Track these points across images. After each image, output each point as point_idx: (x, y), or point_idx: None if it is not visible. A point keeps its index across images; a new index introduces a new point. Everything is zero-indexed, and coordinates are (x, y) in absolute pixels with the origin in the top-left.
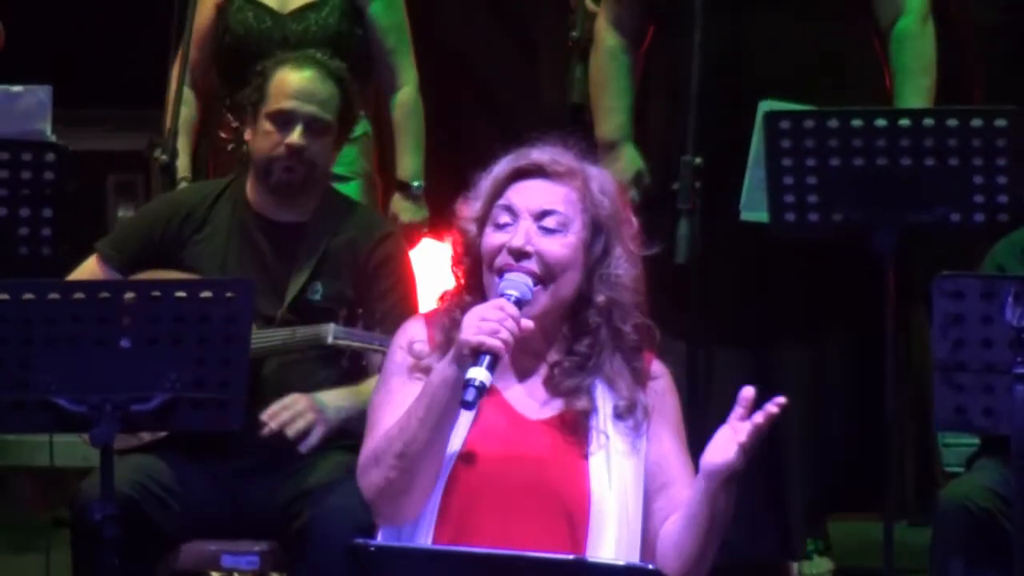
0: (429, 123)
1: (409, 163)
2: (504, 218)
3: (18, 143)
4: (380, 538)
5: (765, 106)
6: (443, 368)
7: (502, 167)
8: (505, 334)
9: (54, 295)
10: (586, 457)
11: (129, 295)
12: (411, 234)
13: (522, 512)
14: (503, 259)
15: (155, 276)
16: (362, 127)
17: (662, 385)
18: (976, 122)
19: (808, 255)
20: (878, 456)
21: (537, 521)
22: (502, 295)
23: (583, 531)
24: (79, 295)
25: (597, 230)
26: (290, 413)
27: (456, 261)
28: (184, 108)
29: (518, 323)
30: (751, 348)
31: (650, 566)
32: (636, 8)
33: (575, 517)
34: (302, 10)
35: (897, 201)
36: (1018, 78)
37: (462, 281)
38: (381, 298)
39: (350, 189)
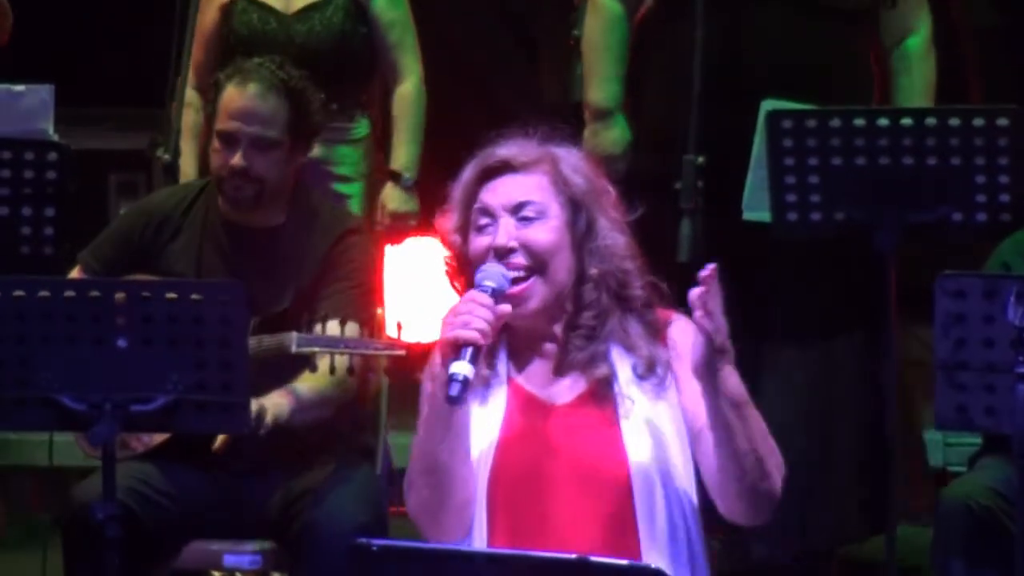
0: (428, 121)
1: (403, 154)
2: (483, 220)
3: (20, 142)
4: None
5: (767, 105)
6: (435, 372)
7: (469, 171)
8: (479, 323)
9: (44, 293)
10: (617, 424)
11: (119, 295)
12: (399, 226)
13: (570, 500)
14: (490, 260)
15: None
16: (365, 128)
17: (679, 330)
18: (978, 121)
19: (826, 252)
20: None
21: (586, 505)
22: (478, 287)
23: (629, 501)
24: (69, 293)
25: (576, 208)
26: None
27: (453, 275)
28: (190, 112)
29: (493, 311)
30: (759, 346)
31: (652, 565)
32: None
33: (620, 489)
34: (306, 10)
35: (899, 200)
36: (1016, 79)
37: (460, 292)
38: (328, 290)
39: (353, 189)
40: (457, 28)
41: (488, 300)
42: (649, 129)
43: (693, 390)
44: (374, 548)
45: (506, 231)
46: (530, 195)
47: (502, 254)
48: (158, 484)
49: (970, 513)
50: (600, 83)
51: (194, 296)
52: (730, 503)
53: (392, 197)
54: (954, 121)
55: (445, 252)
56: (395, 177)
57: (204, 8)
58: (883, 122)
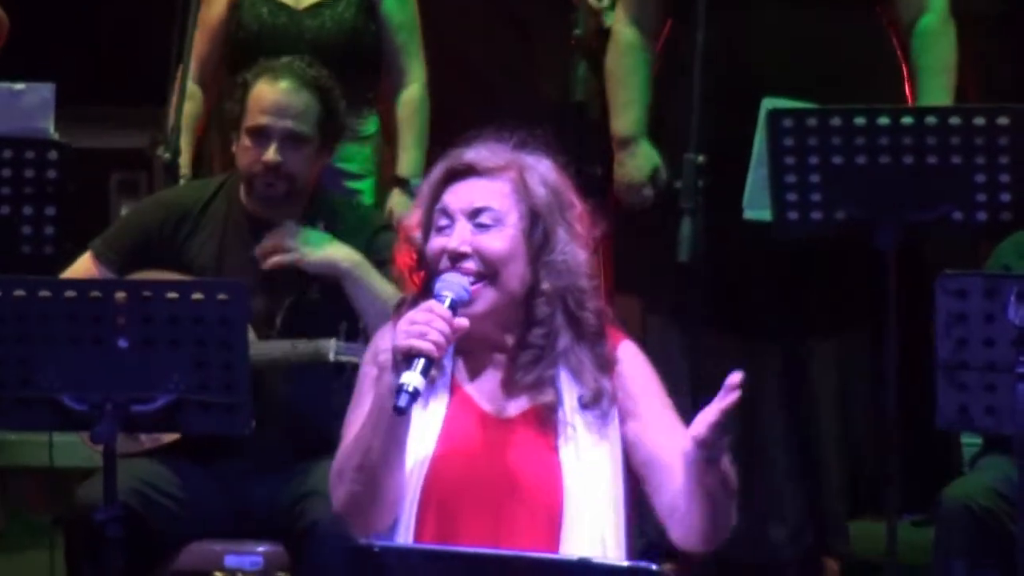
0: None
1: (409, 159)
2: (442, 221)
3: (21, 141)
4: None
5: (768, 104)
6: (387, 377)
7: (435, 172)
8: (435, 335)
9: (45, 292)
10: (556, 451)
11: (120, 295)
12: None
13: (500, 511)
14: (444, 262)
15: (151, 276)
16: (375, 125)
17: (629, 358)
18: (979, 120)
19: (825, 253)
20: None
21: (517, 519)
22: (436, 297)
23: (557, 529)
24: (70, 293)
25: (535, 219)
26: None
27: (410, 270)
28: (189, 103)
29: (450, 323)
30: (755, 346)
31: (653, 566)
32: (654, 6)
33: (552, 512)
34: (317, 6)
35: (900, 199)
36: (1011, 69)
37: (419, 289)
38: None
39: (364, 186)
40: (457, 27)
41: (447, 312)
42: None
43: (654, 421)
44: (376, 549)
45: (460, 235)
46: (489, 201)
47: (455, 258)
48: (162, 484)
49: (971, 514)
50: (622, 111)
51: (195, 296)
52: (688, 535)
53: (400, 203)
54: (955, 120)
55: (405, 246)
56: (402, 183)
57: (212, 1)
58: (884, 121)
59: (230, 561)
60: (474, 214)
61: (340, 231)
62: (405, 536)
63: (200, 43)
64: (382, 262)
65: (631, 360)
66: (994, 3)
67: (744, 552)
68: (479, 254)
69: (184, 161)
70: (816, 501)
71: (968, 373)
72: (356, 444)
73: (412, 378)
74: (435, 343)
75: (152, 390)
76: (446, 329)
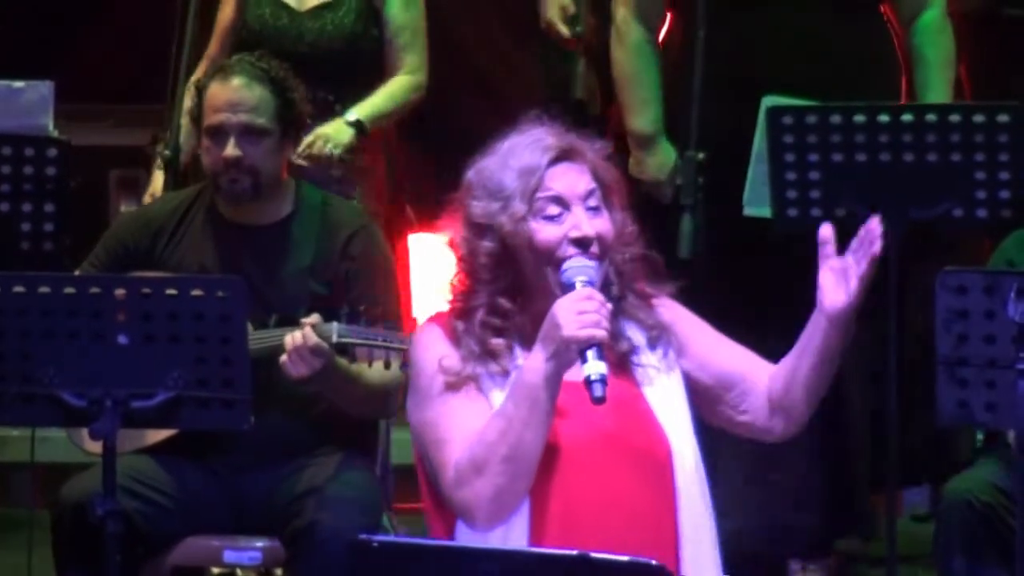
0: (428, 121)
1: (371, 106)
2: (552, 209)
3: (20, 138)
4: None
5: (768, 101)
6: (539, 368)
7: (530, 159)
8: (605, 323)
9: (45, 289)
10: (643, 395)
11: (120, 291)
12: (317, 153)
13: (610, 470)
14: (565, 251)
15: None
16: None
17: (665, 305)
18: (979, 118)
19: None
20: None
21: (627, 472)
22: (571, 284)
23: (668, 465)
24: (70, 289)
25: (608, 195)
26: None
27: (491, 267)
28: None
29: (606, 307)
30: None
31: (653, 562)
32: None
33: (656, 455)
34: (319, 9)
35: (900, 197)
36: (1004, 66)
37: (491, 284)
38: (375, 294)
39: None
40: (458, 26)
41: (602, 297)
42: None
43: (711, 343)
44: (375, 544)
45: (583, 221)
46: (590, 185)
47: (584, 244)
48: (153, 480)
49: (971, 509)
50: (639, 109)
51: (194, 292)
52: (778, 420)
53: (336, 129)
54: (954, 117)
55: (482, 243)
56: (347, 119)
57: (223, 2)
58: (884, 118)
59: (228, 556)
60: (585, 197)
61: (320, 228)
62: (522, 522)
63: (212, 43)
64: (354, 258)
65: (667, 304)
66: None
67: (767, 540)
68: (600, 239)
69: (187, 153)
70: (839, 485)
71: (968, 369)
72: (501, 437)
73: (598, 367)
74: (606, 329)
75: (152, 386)
76: (607, 313)
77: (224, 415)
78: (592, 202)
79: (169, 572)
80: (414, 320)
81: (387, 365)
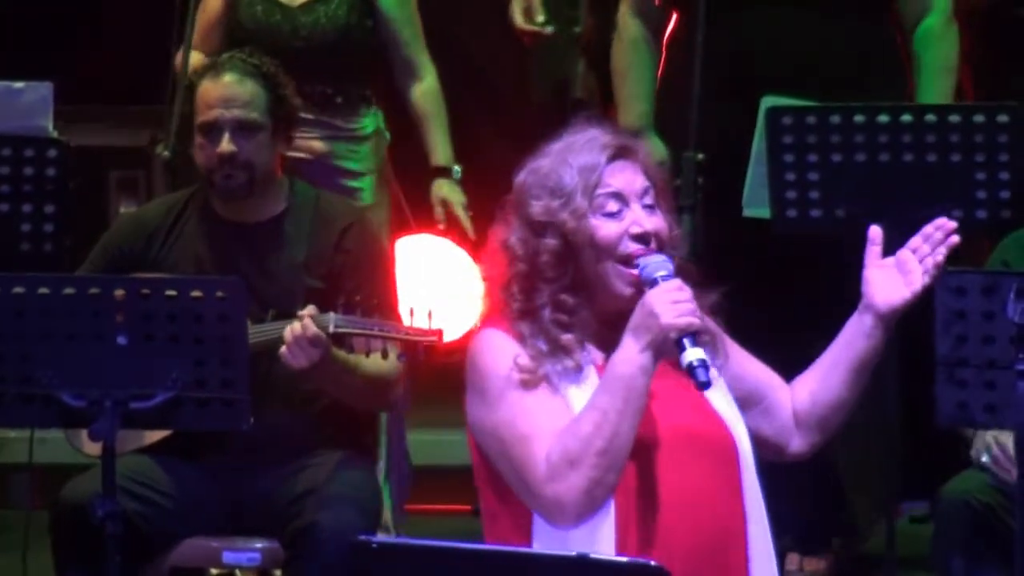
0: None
1: (444, 148)
2: (612, 206)
3: (20, 139)
4: (536, 546)
5: (768, 102)
6: (634, 359)
7: (589, 157)
8: (697, 311)
9: (44, 289)
10: (704, 394)
11: (119, 292)
12: (457, 217)
13: (686, 464)
14: (627, 246)
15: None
16: (373, 123)
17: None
18: (978, 118)
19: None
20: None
21: (702, 466)
22: (652, 279)
23: (735, 459)
24: (69, 290)
25: (659, 196)
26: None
27: (553, 264)
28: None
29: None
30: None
31: (652, 563)
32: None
33: (724, 449)
34: (311, 3)
35: (899, 197)
36: (1011, 68)
37: (554, 282)
38: (370, 285)
39: (363, 183)
40: (456, 26)
41: (687, 287)
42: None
43: (740, 352)
44: (374, 545)
45: (645, 218)
46: (646, 182)
47: (644, 240)
48: (152, 481)
49: (970, 509)
50: (629, 104)
51: (194, 293)
52: (805, 437)
53: (448, 190)
54: (954, 118)
55: (543, 241)
56: (444, 172)
57: (207, 1)
58: (883, 119)
59: (228, 557)
60: (641, 195)
61: (314, 222)
62: (609, 513)
63: (196, 37)
64: (348, 251)
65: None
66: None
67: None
68: (656, 235)
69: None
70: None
71: (967, 370)
72: (596, 430)
73: (698, 353)
74: (698, 317)
75: (151, 387)
76: (694, 302)
77: (223, 415)
78: (648, 200)
79: (168, 573)
80: (399, 316)
81: (384, 355)
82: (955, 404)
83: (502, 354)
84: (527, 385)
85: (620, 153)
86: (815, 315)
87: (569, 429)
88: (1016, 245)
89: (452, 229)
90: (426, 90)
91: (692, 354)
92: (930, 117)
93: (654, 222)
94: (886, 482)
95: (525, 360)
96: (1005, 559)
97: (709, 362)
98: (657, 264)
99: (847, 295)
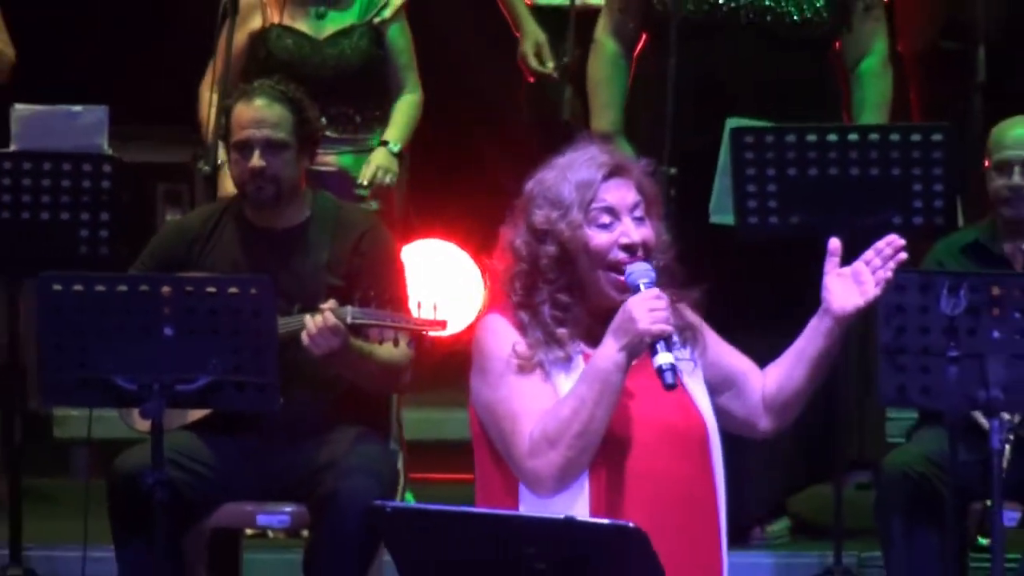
0: (431, 134)
1: (397, 131)
2: (605, 219)
3: (79, 156)
4: (522, 508)
5: (732, 123)
6: (611, 356)
7: (587, 174)
8: (671, 319)
9: (100, 287)
10: (683, 384)
11: (166, 289)
12: (378, 182)
13: (658, 447)
14: (616, 255)
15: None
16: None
17: (682, 305)
18: (915, 136)
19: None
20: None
21: (673, 449)
22: (636, 285)
23: (707, 444)
24: (122, 288)
25: (649, 207)
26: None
27: (552, 267)
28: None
29: (668, 304)
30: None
31: (630, 524)
32: (633, 19)
33: (696, 435)
34: (335, 36)
35: (847, 206)
36: (947, 93)
37: (553, 283)
38: (382, 282)
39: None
40: (457, 51)
41: (664, 295)
42: (634, 143)
43: (718, 343)
44: (388, 510)
45: (632, 229)
46: (637, 196)
47: (631, 250)
48: (195, 454)
49: (908, 479)
50: (601, 111)
51: (231, 290)
52: (770, 420)
53: (378, 155)
54: (894, 136)
55: (543, 247)
56: (384, 144)
57: (237, 30)
58: (832, 138)
59: (261, 520)
60: (631, 209)
61: (335, 229)
62: (582, 493)
63: (220, 63)
64: (364, 254)
65: (687, 308)
66: (935, 40)
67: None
68: (644, 245)
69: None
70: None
71: (906, 357)
72: (574, 415)
73: (668, 357)
74: (672, 325)
75: (193, 372)
76: (669, 309)
77: (256, 397)
78: (638, 213)
79: (209, 534)
80: (409, 309)
81: (395, 343)
82: (895, 386)
83: (503, 339)
84: (523, 370)
85: (615, 171)
86: (773, 311)
87: (551, 412)
88: (948, 248)
89: (376, 191)
90: (406, 99)
91: (662, 358)
92: (873, 136)
93: (642, 233)
94: (828, 454)
95: (523, 348)
96: (937, 521)
97: (677, 366)
98: (640, 272)
99: (801, 292)
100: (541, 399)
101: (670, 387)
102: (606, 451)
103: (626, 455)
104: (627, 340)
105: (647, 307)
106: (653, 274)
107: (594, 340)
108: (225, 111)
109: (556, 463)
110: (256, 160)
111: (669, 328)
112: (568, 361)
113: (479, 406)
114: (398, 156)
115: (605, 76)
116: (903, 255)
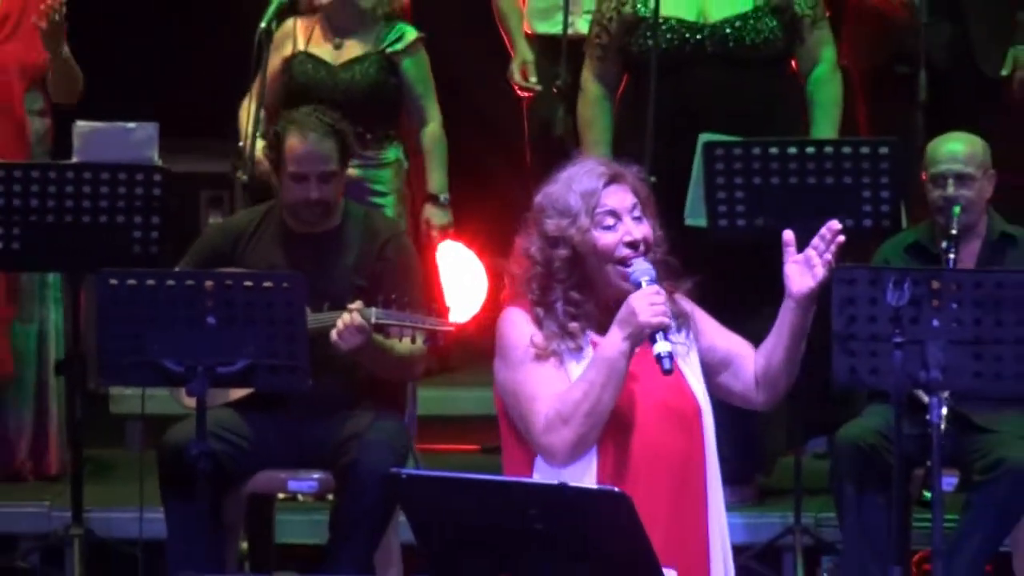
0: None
1: (437, 179)
2: (609, 220)
3: (132, 167)
4: (536, 477)
5: (704, 138)
6: (617, 345)
7: (589, 184)
8: (668, 312)
9: (151, 282)
10: (678, 368)
11: (209, 283)
12: (441, 235)
13: (656, 425)
14: (622, 251)
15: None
16: (394, 154)
17: (678, 294)
18: (865, 149)
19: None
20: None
21: (669, 426)
22: (636, 281)
23: (698, 422)
24: (171, 282)
25: (644, 207)
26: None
27: (564, 268)
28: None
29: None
30: None
31: (616, 489)
32: (614, 66)
33: (690, 413)
34: (350, 63)
35: (805, 210)
36: (895, 110)
37: (565, 282)
38: (404, 286)
39: (387, 201)
40: (466, 74)
41: (663, 291)
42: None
43: (714, 327)
44: (403, 476)
45: (634, 228)
46: (633, 199)
47: (634, 246)
48: (235, 428)
49: (859, 450)
50: (592, 148)
51: (265, 284)
52: (776, 387)
53: (435, 215)
54: (846, 149)
55: (556, 252)
56: (433, 199)
57: (272, 56)
58: (792, 150)
59: (292, 485)
60: (631, 210)
61: (362, 235)
62: (591, 461)
63: (258, 85)
64: (388, 259)
65: (683, 297)
66: (879, 57)
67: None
68: (644, 241)
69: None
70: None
71: (857, 342)
72: (584, 396)
73: (666, 346)
74: (670, 318)
75: (233, 356)
76: (667, 304)
77: (289, 378)
78: (636, 213)
79: (247, 498)
80: (447, 307)
81: (413, 340)
82: (847, 369)
83: (523, 330)
84: (539, 358)
85: (613, 179)
86: (743, 300)
87: (564, 394)
88: (893, 247)
89: (434, 242)
90: (429, 133)
91: (661, 347)
92: (828, 149)
93: (642, 230)
94: (790, 427)
95: (539, 339)
96: (884, 486)
97: (674, 353)
98: (643, 271)
99: (765, 283)
100: (555, 383)
101: (668, 372)
102: (612, 428)
103: (629, 431)
104: (630, 331)
105: (647, 302)
106: (653, 272)
107: (604, 330)
108: (276, 135)
109: (568, 439)
110: (314, 192)
111: (668, 320)
112: (579, 350)
113: (502, 388)
114: (447, 203)
115: (591, 116)
116: (841, 238)
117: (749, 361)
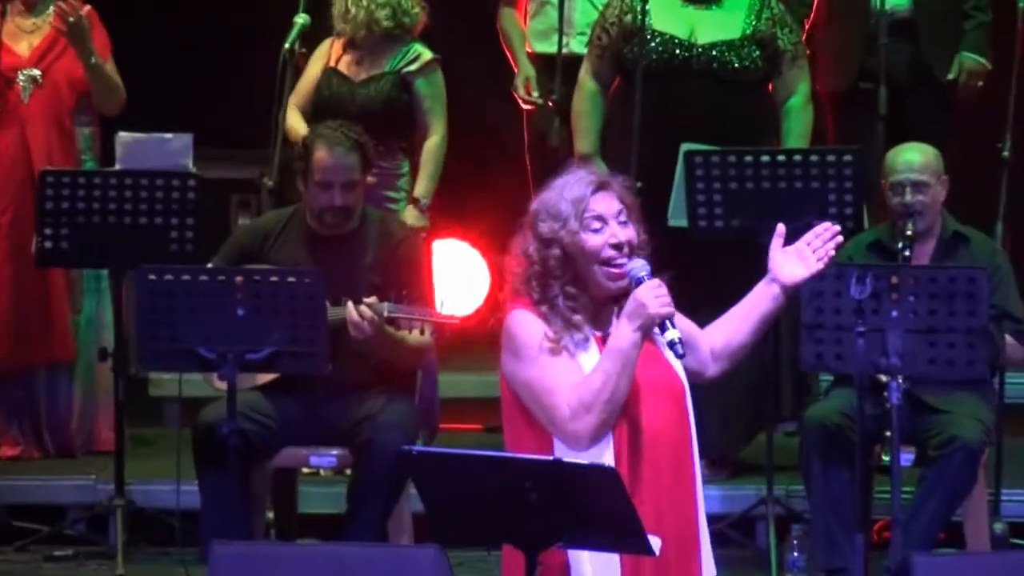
0: (449, 155)
1: (424, 186)
2: (596, 224)
3: (169, 173)
4: (557, 454)
5: (685, 147)
6: (629, 336)
7: (578, 191)
8: (672, 302)
9: (186, 277)
10: (662, 353)
11: (238, 278)
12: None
13: (658, 405)
14: (607, 252)
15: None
16: (407, 164)
17: None
18: (831, 158)
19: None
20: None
21: (666, 407)
22: (637, 278)
23: (684, 400)
24: (204, 277)
25: (629, 213)
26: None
27: (558, 267)
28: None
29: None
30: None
31: (607, 464)
32: (609, 65)
33: (679, 393)
34: (367, 80)
35: (777, 212)
36: (859, 122)
37: (560, 278)
38: (413, 283)
39: (400, 206)
40: (472, 89)
41: (664, 283)
42: (608, 161)
43: (683, 318)
44: (414, 452)
45: (619, 231)
46: (619, 205)
47: (620, 248)
48: (262, 409)
49: (825, 429)
50: (583, 136)
51: (289, 279)
52: (717, 367)
53: (411, 216)
54: (814, 157)
55: (550, 252)
56: (415, 202)
57: (312, 63)
58: (765, 159)
59: (313, 460)
60: (616, 215)
61: (378, 237)
62: (608, 442)
63: (297, 94)
64: (400, 258)
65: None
66: (845, 81)
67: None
68: (629, 243)
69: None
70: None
71: (823, 331)
72: (603, 386)
73: (676, 333)
74: (672, 306)
75: (260, 344)
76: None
77: (309, 363)
78: (622, 218)
79: (272, 472)
80: (433, 305)
81: (421, 332)
82: (814, 355)
83: (533, 328)
84: (553, 352)
85: (600, 187)
86: (720, 293)
87: (583, 385)
88: (856, 246)
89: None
90: (428, 145)
91: (672, 334)
92: (797, 157)
93: (627, 233)
94: (763, 407)
95: (550, 333)
96: (848, 461)
97: (683, 338)
98: (640, 267)
99: (742, 278)
100: (570, 375)
101: (681, 356)
102: (622, 412)
103: (637, 413)
104: (641, 322)
105: (653, 294)
106: (649, 267)
107: (599, 323)
108: (305, 146)
109: (592, 424)
110: (339, 200)
111: (674, 310)
112: (585, 341)
113: (514, 383)
114: (425, 206)
115: (585, 109)
116: (840, 238)
117: (704, 340)
